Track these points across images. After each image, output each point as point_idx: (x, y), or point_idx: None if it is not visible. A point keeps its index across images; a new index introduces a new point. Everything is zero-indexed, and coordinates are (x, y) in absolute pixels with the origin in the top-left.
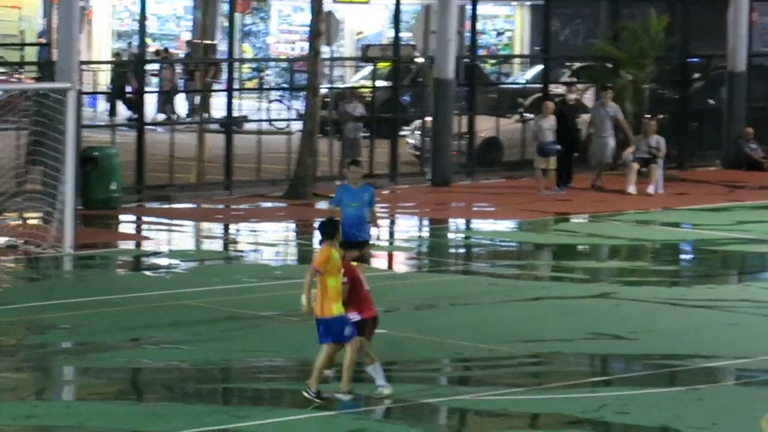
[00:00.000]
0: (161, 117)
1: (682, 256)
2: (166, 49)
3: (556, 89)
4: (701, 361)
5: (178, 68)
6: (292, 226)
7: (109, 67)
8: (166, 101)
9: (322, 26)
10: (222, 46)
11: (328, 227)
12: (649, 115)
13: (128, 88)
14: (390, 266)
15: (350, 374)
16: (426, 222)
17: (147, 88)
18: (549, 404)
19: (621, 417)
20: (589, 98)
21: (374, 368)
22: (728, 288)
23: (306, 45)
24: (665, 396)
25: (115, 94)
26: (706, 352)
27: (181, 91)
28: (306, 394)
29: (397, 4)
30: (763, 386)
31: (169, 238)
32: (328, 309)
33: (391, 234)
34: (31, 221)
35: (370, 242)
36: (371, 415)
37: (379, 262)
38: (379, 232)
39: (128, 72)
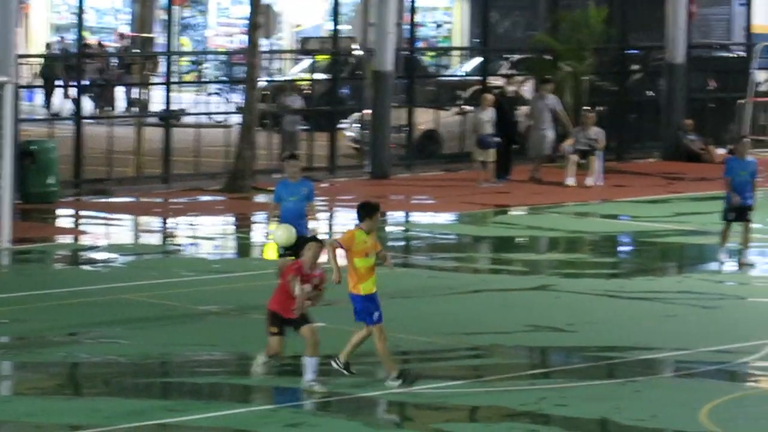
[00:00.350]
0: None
1: (621, 248)
2: (99, 43)
3: (495, 81)
4: (640, 353)
5: (114, 61)
6: (231, 219)
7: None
8: (101, 95)
9: (260, 19)
10: (160, 39)
11: (360, 210)
12: (588, 107)
13: (59, 82)
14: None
15: (389, 359)
16: None
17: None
18: (488, 397)
19: (560, 409)
20: (528, 90)
21: (311, 362)
22: (667, 280)
23: (244, 38)
24: (604, 388)
25: (45, 87)
26: (644, 344)
27: (118, 85)
28: (334, 364)
29: None
30: (702, 378)
31: (107, 232)
32: (352, 286)
33: (331, 227)
34: None
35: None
36: (310, 408)
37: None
38: (317, 227)
39: (57, 65)
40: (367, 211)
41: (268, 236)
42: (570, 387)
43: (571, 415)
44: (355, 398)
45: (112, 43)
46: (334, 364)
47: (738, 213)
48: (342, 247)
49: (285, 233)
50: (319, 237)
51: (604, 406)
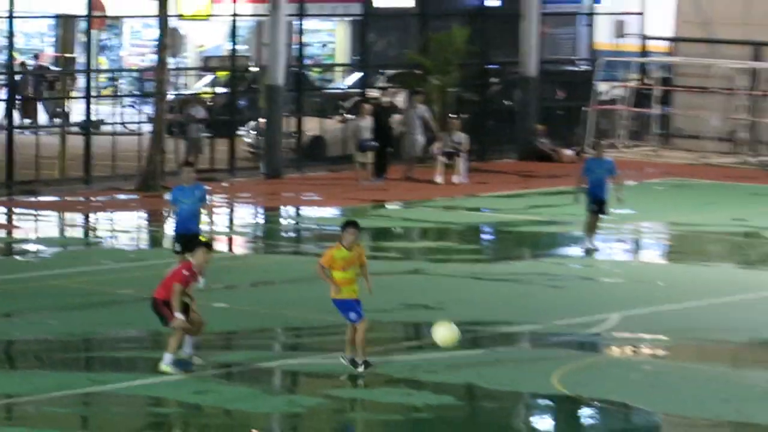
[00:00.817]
0: (26, 121)
1: (484, 237)
2: (22, 63)
3: (373, 93)
4: (500, 326)
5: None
6: (144, 215)
7: None
8: (25, 107)
9: (168, 40)
10: (81, 59)
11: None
12: (454, 115)
13: None
14: (230, 249)
15: (361, 349)
16: (261, 210)
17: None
18: (369, 367)
19: (431, 376)
20: (401, 101)
21: (193, 340)
22: (523, 263)
23: (154, 57)
24: (469, 357)
25: None
26: (504, 319)
27: (44, 99)
28: (360, 369)
29: (234, 20)
30: (553, 347)
31: (36, 227)
32: (333, 293)
33: (231, 221)
34: None
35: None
36: (214, 378)
37: (219, 245)
38: (214, 221)
39: None
40: (342, 227)
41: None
42: (440, 357)
43: (441, 381)
44: (254, 368)
45: (33, 61)
46: (360, 369)
47: (598, 205)
48: (322, 267)
49: (447, 333)
50: (210, 242)
51: (469, 373)
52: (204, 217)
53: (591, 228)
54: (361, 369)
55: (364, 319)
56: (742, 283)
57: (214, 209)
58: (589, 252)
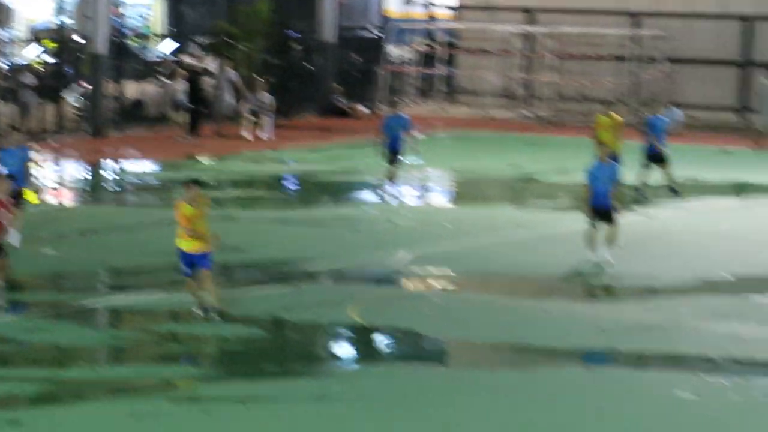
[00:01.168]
0: None
1: (288, 185)
2: None
3: (187, 59)
4: (304, 265)
5: None
6: None
7: None
8: None
9: None
10: None
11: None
12: (260, 78)
13: None
14: (59, 202)
15: (198, 296)
16: (87, 166)
17: None
18: (185, 304)
19: (240, 310)
20: (212, 66)
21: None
22: (324, 209)
23: None
24: (275, 293)
25: None
26: (308, 258)
27: None
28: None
29: None
30: (351, 283)
31: None
32: (179, 243)
33: (60, 175)
34: None
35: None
36: (43, 317)
37: (50, 198)
38: (36, 177)
39: None
40: (184, 184)
41: None
42: (246, 293)
43: (249, 315)
44: (80, 307)
45: None
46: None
47: (394, 156)
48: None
49: None
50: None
51: (275, 307)
52: (30, 174)
53: (390, 177)
54: (200, 312)
55: (193, 275)
56: (519, 223)
57: (38, 166)
58: (386, 198)
